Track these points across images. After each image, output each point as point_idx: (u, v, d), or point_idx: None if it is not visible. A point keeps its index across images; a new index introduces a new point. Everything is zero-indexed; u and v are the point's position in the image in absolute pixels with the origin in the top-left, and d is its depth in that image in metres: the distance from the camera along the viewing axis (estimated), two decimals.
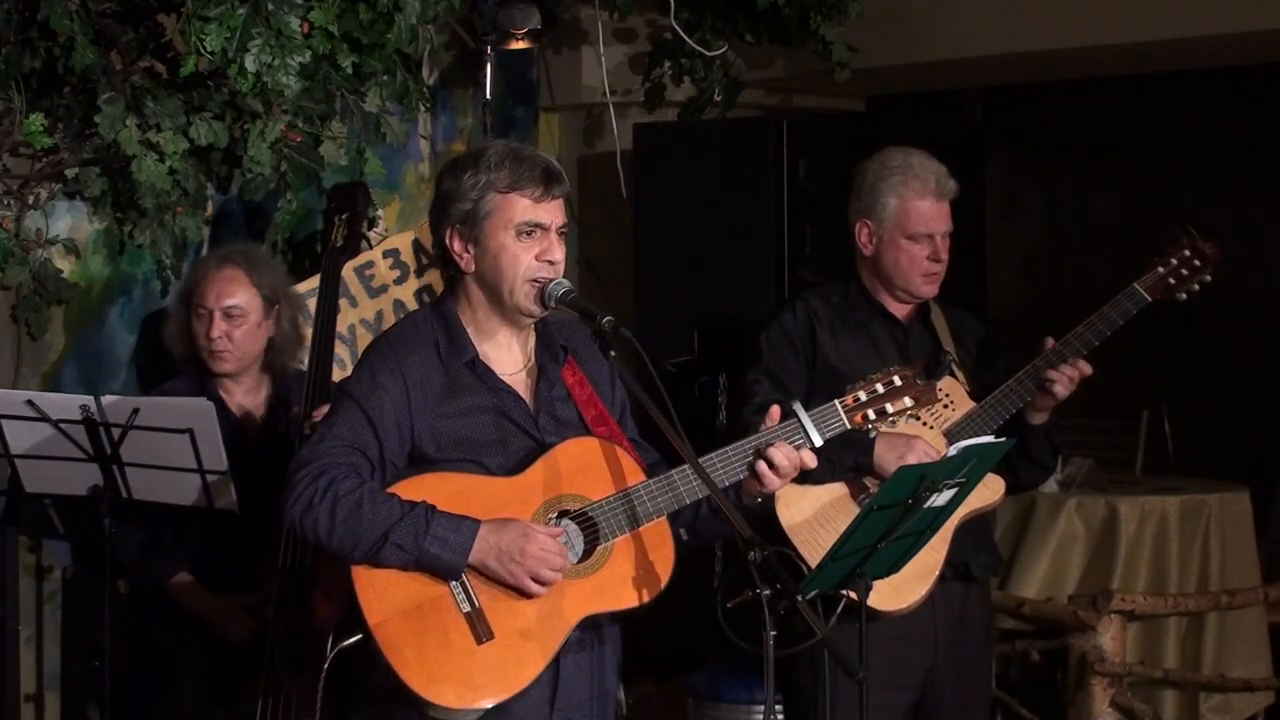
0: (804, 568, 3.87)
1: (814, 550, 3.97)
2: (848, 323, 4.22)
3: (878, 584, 3.81)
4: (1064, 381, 4.07)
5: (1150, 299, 4.12)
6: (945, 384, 4.16)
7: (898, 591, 4.02)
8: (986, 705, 4.44)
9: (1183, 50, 5.71)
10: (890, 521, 3.49)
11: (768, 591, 3.14)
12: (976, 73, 6.41)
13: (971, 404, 4.16)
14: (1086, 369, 4.08)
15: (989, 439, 3.83)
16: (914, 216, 4.16)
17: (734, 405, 4.29)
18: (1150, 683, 5.45)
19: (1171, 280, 4.13)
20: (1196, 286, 4.13)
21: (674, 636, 4.79)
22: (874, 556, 3.57)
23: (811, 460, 3.38)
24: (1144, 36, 5.52)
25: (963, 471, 3.56)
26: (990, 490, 4.14)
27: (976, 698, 4.32)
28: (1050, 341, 4.12)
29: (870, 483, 4.06)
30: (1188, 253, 4.13)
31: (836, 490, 4.08)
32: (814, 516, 4.06)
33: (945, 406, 4.14)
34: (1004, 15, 5.70)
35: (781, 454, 3.34)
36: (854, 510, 4.03)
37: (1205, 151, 7.27)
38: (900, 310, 4.24)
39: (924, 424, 4.11)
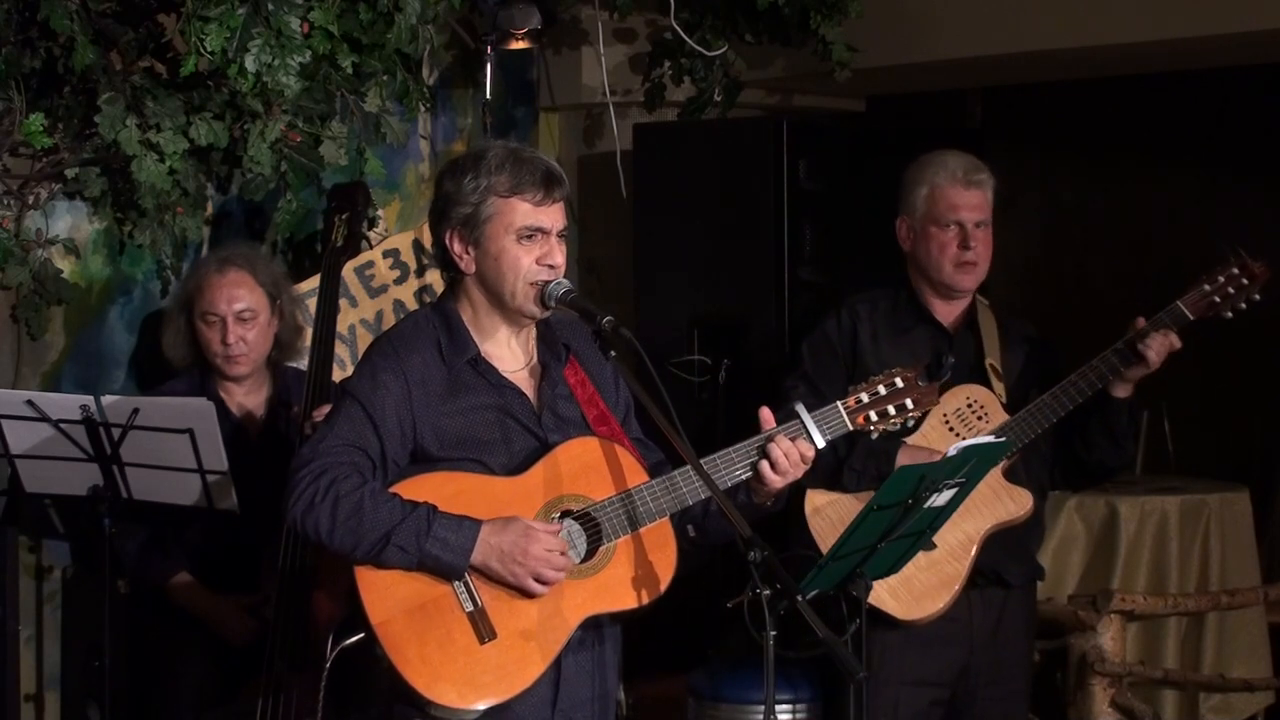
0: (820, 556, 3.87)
1: (829, 541, 3.97)
2: (893, 328, 4.25)
3: (898, 591, 3.80)
4: (1159, 350, 4.08)
5: (1192, 317, 4.11)
6: (979, 394, 4.17)
7: (918, 601, 4.03)
8: (1024, 708, 4.42)
9: (1182, 50, 5.70)
10: (890, 521, 3.49)
11: (768, 592, 3.15)
12: (976, 73, 6.40)
13: (1005, 416, 4.15)
14: (1176, 342, 4.10)
15: (988, 439, 3.83)
16: (941, 202, 4.21)
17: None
18: (1150, 683, 5.44)
19: (1217, 299, 4.11)
20: (1243, 305, 4.11)
21: (675, 636, 4.79)
22: (874, 556, 3.57)
23: (810, 451, 3.38)
24: (1143, 36, 5.52)
25: (963, 471, 3.56)
26: (1016, 504, 4.16)
27: (1012, 700, 4.32)
28: (1141, 321, 4.12)
29: None
30: (1236, 271, 4.10)
31: (864, 497, 4.08)
32: (838, 518, 4.07)
33: (979, 418, 4.16)
34: (1004, 15, 5.69)
35: (780, 451, 3.34)
36: None
37: (1205, 152, 7.25)
38: (947, 316, 4.26)
39: (957, 435, 4.11)
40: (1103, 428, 4.20)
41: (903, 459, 4.04)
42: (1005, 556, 4.20)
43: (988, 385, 4.21)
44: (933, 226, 4.22)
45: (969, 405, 4.17)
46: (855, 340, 4.24)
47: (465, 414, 3.31)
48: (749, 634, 3.19)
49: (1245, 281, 4.10)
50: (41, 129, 4.48)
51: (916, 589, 3.95)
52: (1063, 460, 4.31)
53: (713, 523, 3.46)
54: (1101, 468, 4.38)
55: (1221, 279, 4.11)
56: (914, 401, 3.45)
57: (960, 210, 4.22)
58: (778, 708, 4.82)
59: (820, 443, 3.39)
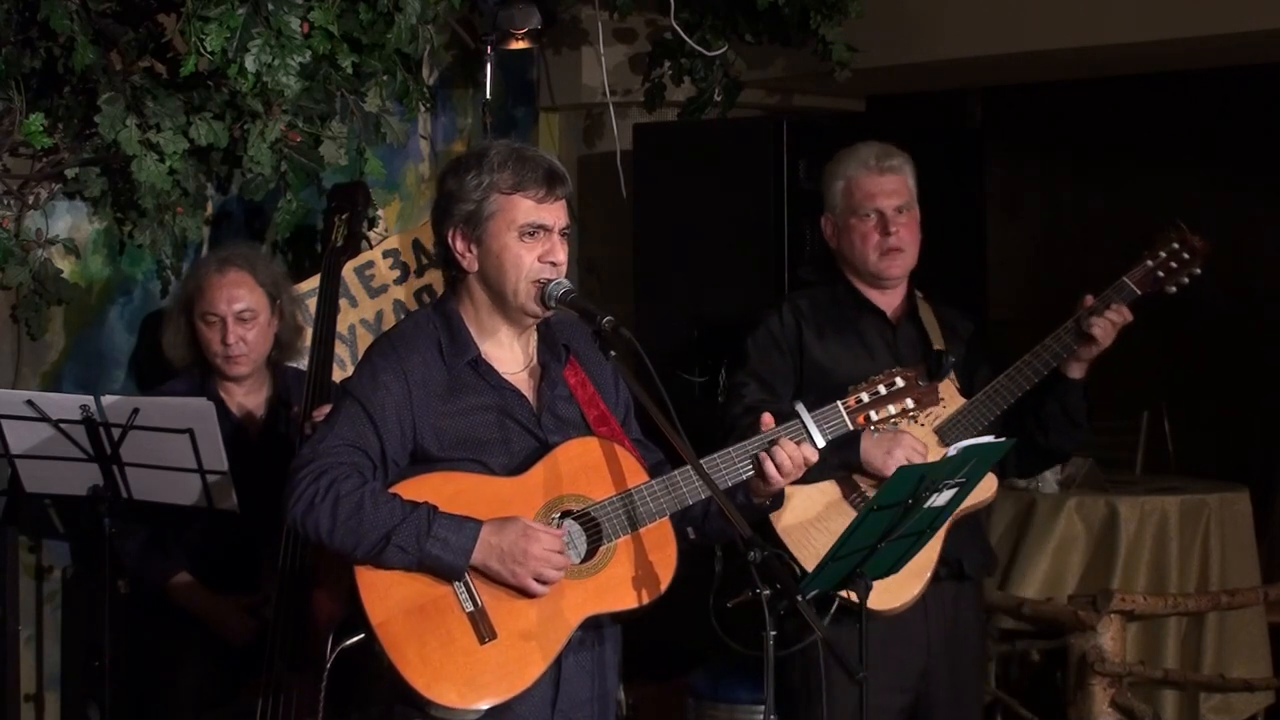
0: (796, 569, 3.86)
1: (806, 551, 3.97)
2: (836, 322, 4.22)
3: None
4: (1105, 326, 4.05)
5: (1140, 292, 4.09)
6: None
7: (890, 590, 4.00)
8: (981, 705, 4.42)
9: (1182, 50, 5.71)
10: (890, 521, 3.49)
11: (768, 592, 3.15)
12: (976, 73, 6.41)
13: (962, 400, 4.15)
14: (1128, 315, 4.06)
15: (989, 439, 3.83)
16: (856, 192, 4.20)
17: (722, 406, 4.27)
18: (1150, 683, 5.45)
19: (1160, 273, 4.10)
20: (1186, 280, 4.10)
21: (675, 636, 4.79)
22: (874, 556, 3.57)
23: (814, 455, 3.39)
24: (1144, 36, 5.52)
25: (963, 471, 3.56)
26: (984, 487, 4.13)
27: (971, 698, 4.30)
28: (1090, 299, 4.10)
29: (860, 480, 4.05)
30: (1176, 246, 4.10)
31: (828, 490, 4.07)
32: (806, 518, 4.04)
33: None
34: (1004, 15, 5.70)
35: (785, 452, 3.34)
36: (846, 510, 4.03)
37: (1205, 151, 7.27)
38: (889, 305, 4.24)
39: (917, 423, 4.09)
40: (1059, 409, 4.17)
41: (866, 445, 4.01)
42: (966, 543, 4.17)
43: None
44: (852, 218, 4.20)
45: None
46: (800, 335, 4.20)
47: (465, 415, 3.31)
48: (749, 634, 3.20)
49: (1186, 256, 4.09)
50: (41, 129, 4.48)
51: (888, 578, 3.92)
52: (1017, 446, 4.28)
53: (712, 524, 3.46)
54: (1058, 451, 4.36)
55: (1164, 254, 4.10)
56: (915, 401, 3.45)
57: (877, 198, 4.18)
58: (754, 708, 4.83)
59: (820, 442, 3.40)
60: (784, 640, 3.23)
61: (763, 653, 3.16)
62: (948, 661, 4.17)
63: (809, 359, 4.18)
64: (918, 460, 3.94)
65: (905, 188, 4.22)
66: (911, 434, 4.02)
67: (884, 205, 4.18)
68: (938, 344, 4.20)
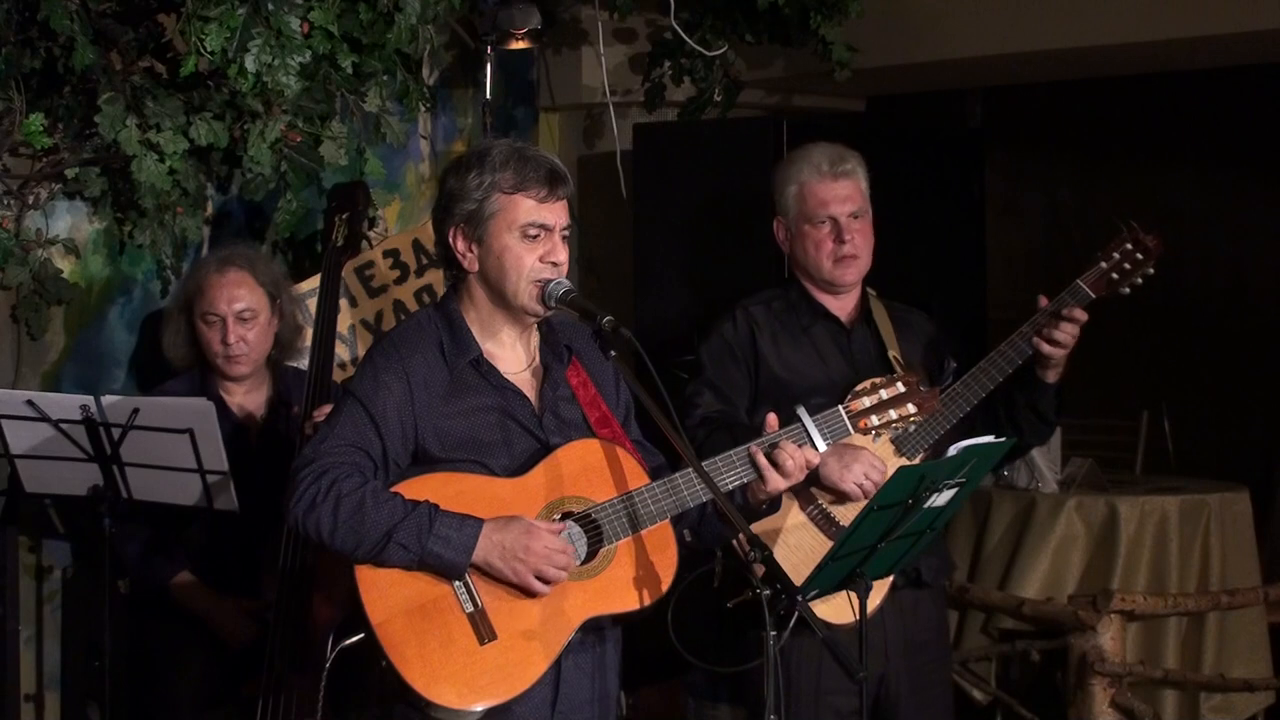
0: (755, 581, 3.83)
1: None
2: (790, 329, 4.18)
3: (831, 597, 3.73)
4: (1066, 332, 4.02)
5: (1094, 295, 4.04)
6: None
7: (850, 605, 3.97)
8: (950, 706, 4.38)
9: (1182, 50, 5.71)
10: (890, 521, 3.49)
11: (768, 592, 3.15)
12: (976, 73, 6.40)
13: None
14: (1082, 316, 4.02)
15: (989, 439, 3.82)
16: (809, 198, 4.16)
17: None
18: (1150, 683, 5.45)
19: (1114, 275, 4.05)
20: (1139, 280, 4.05)
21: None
22: (874, 556, 3.57)
23: (816, 458, 3.38)
24: (1144, 36, 5.52)
25: (963, 471, 3.56)
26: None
27: (938, 700, 4.26)
28: (1044, 300, 4.07)
29: (818, 493, 4.01)
30: (1129, 246, 4.05)
31: (787, 504, 4.02)
32: (764, 530, 4.00)
33: None
34: (1004, 15, 5.70)
35: (787, 454, 3.34)
36: (804, 523, 4.00)
37: (1205, 151, 7.27)
38: (842, 310, 4.20)
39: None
40: (1031, 411, 4.12)
41: (828, 460, 3.92)
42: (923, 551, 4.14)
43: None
44: (806, 225, 4.16)
45: None
46: (754, 343, 4.16)
47: (467, 415, 3.31)
48: (749, 635, 3.20)
49: (1140, 257, 4.04)
50: (41, 129, 4.48)
51: (848, 594, 3.88)
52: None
53: (708, 526, 3.46)
54: (1024, 449, 4.34)
55: (1117, 255, 4.05)
56: (916, 406, 3.45)
57: (830, 205, 4.14)
58: (726, 708, 4.82)
59: (822, 446, 3.39)
60: (746, 653, 3.20)
61: (722, 665, 3.15)
62: (908, 665, 4.13)
63: (764, 367, 4.14)
64: (876, 474, 3.92)
65: (859, 192, 4.18)
66: (868, 449, 3.98)
67: (838, 212, 4.14)
68: (892, 348, 4.16)
